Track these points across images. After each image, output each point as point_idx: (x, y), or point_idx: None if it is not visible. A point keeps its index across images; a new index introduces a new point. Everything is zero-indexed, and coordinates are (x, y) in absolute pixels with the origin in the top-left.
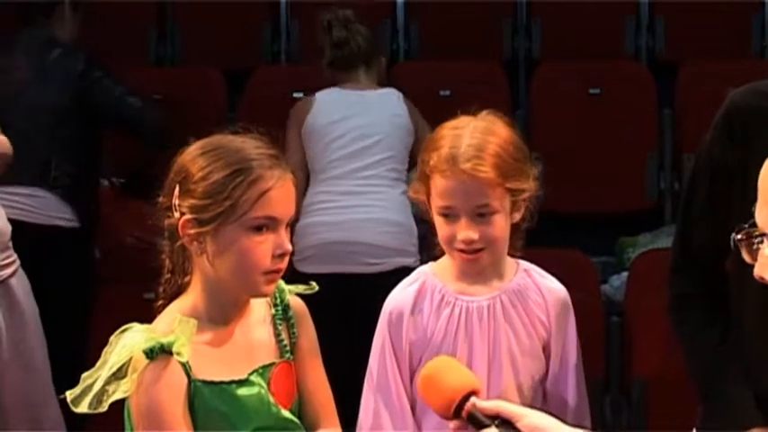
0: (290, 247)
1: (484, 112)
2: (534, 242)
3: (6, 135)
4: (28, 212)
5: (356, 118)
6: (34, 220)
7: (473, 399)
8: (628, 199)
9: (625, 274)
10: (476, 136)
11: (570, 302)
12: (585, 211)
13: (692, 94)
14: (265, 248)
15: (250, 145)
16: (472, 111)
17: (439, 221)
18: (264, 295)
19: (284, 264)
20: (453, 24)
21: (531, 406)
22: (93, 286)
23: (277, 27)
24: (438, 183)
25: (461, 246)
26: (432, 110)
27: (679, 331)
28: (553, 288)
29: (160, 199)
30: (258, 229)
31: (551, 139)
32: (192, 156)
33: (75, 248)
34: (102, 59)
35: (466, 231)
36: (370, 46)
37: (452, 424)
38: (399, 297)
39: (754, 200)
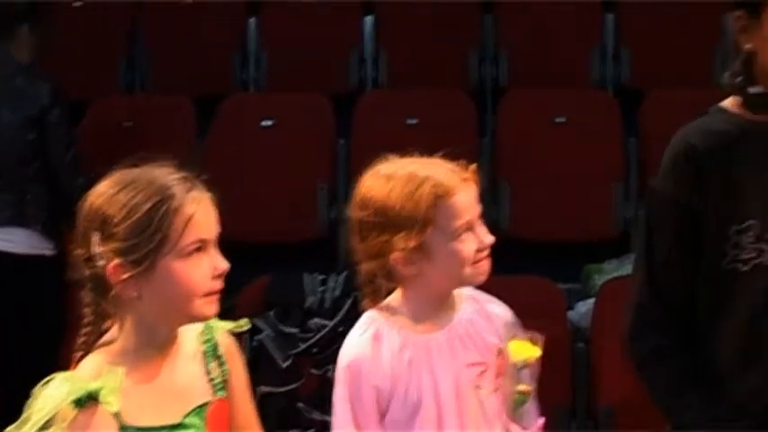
0: (226, 265)
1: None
2: (501, 269)
3: None
4: (9, 244)
5: None
6: (17, 251)
7: None
8: (594, 227)
9: (591, 300)
10: (435, 161)
11: (516, 322)
12: (552, 239)
13: (656, 122)
14: (203, 271)
15: (162, 172)
16: (437, 139)
17: (457, 246)
18: (208, 317)
19: (221, 284)
20: (421, 53)
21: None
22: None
23: (246, 55)
24: (452, 203)
25: (485, 253)
26: (398, 138)
27: (654, 386)
28: (499, 313)
29: (76, 251)
30: (192, 254)
31: (518, 167)
32: (106, 196)
33: (59, 275)
34: (67, 88)
35: (486, 234)
36: None
37: None
38: (354, 348)
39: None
